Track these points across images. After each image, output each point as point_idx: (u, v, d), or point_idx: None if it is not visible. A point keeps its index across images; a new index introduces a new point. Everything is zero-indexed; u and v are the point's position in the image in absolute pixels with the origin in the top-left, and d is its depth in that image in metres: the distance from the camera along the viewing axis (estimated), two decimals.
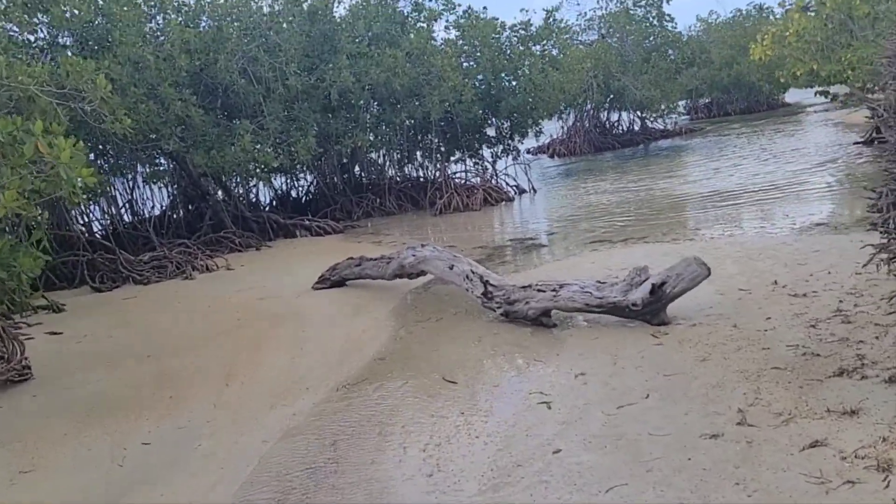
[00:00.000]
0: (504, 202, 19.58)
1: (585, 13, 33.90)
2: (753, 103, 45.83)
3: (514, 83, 20.27)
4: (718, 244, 10.64)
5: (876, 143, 20.65)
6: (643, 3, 32.57)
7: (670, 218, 14.11)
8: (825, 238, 10.13)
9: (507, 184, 21.06)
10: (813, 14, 19.03)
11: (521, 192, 20.98)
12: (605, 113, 35.32)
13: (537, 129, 21.95)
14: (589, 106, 32.76)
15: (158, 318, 10.01)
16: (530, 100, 19.90)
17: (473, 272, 8.65)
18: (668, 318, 7.33)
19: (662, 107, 32.71)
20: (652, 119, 35.30)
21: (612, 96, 32.96)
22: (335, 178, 20.07)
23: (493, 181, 20.83)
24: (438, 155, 20.11)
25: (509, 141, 21.54)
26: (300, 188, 20.58)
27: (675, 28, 33.58)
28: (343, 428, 5.92)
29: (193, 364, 7.81)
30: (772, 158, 20.91)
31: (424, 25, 19.22)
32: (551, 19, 20.39)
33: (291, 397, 6.76)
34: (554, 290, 7.77)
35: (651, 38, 32.71)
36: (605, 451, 4.89)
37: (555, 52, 20.98)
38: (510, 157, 21.54)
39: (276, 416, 6.34)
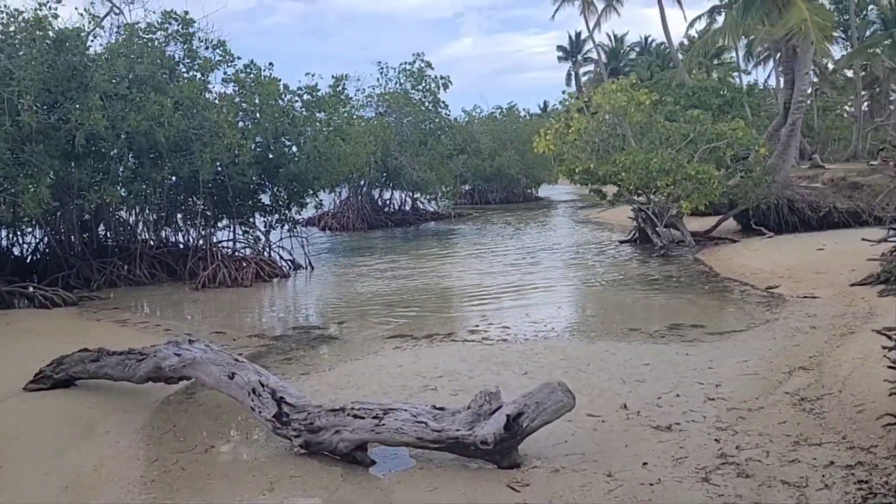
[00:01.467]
0: (279, 278, 17.22)
1: (364, 90, 33.01)
2: (511, 194, 47.90)
3: (294, 149, 18.27)
4: (537, 348, 9.33)
5: (638, 242, 21.42)
6: (421, 87, 32.42)
7: (468, 311, 12.77)
8: (647, 348, 9.19)
9: (282, 257, 18.77)
10: (592, 115, 19.46)
11: (297, 267, 18.76)
12: (379, 190, 34.46)
13: (317, 200, 20.03)
14: (363, 182, 31.62)
15: None
16: (313, 168, 17.98)
17: (263, 385, 6.37)
18: (520, 458, 5.65)
19: (437, 190, 32.40)
20: (424, 201, 34.90)
21: (387, 174, 32.13)
22: (73, 238, 16.46)
23: (267, 253, 18.45)
24: (203, 220, 17.35)
25: (286, 210, 19.36)
26: (25, 246, 16.63)
27: (449, 115, 33.83)
28: None
29: None
30: (547, 250, 20.79)
31: (198, 75, 16.72)
32: (340, 87, 18.83)
33: None
34: (376, 416, 5.77)
35: (427, 122, 32.51)
36: None
37: (338, 122, 19.31)
38: (285, 228, 19.32)
39: None
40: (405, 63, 32.44)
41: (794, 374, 7.38)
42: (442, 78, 32.36)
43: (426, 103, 32.79)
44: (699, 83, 22.96)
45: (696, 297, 12.68)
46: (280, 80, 18.13)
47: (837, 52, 41.17)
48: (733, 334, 9.59)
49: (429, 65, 32.29)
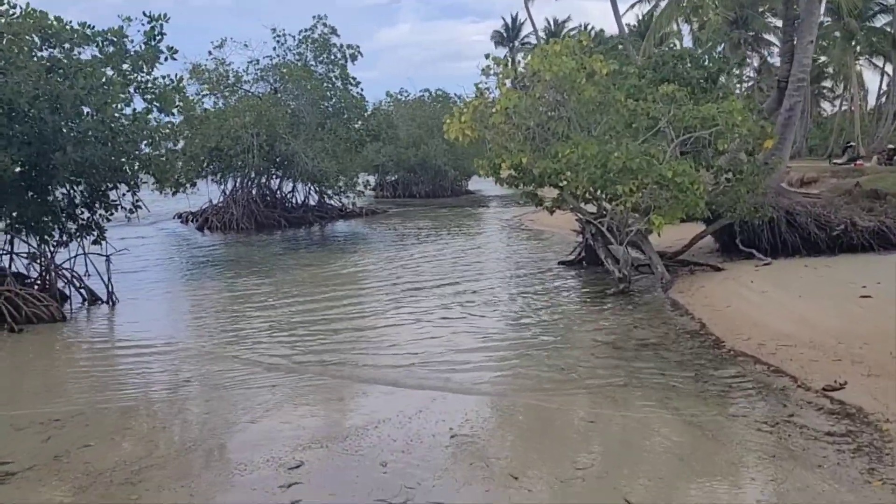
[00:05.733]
0: (47, 324, 10.62)
1: (258, 60, 26.18)
2: (438, 188, 41.77)
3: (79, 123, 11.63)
4: None
5: (584, 263, 15.23)
6: (324, 58, 25.75)
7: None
8: None
9: (74, 285, 12.23)
10: (525, 91, 13.33)
11: (94, 300, 12.21)
12: (277, 182, 27.71)
13: (134, 201, 13.31)
14: (250, 171, 24.87)
15: None
16: (105, 155, 11.41)
17: None
18: None
19: (340, 182, 25.85)
20: (331, 194, 28.13)
21: (282, 161, 25.42)
22: None
23: (44, 279, 11.89)
24: None
25: (86, 214, 12.75)
26: None
27: (361, 93, 27.15)
28: None
29: None
30: (467, 280, 14.53)
31: None
32: (156, 31, 12.03)
33: None
34: None
35: (332, 101, 25.88)
36: None
37: (159, 85, 12.63)
38: (88, 240, 12.73)
39: None
40: (305, 30, 25.79)
41: None
42: (350, 47, 25.82)
43: (332, 78, 26.21)
44: (670, 50, 17.16)
45: (710, 414, 6.52)
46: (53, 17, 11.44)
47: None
48: None
49: (333, 31, 25.70)
